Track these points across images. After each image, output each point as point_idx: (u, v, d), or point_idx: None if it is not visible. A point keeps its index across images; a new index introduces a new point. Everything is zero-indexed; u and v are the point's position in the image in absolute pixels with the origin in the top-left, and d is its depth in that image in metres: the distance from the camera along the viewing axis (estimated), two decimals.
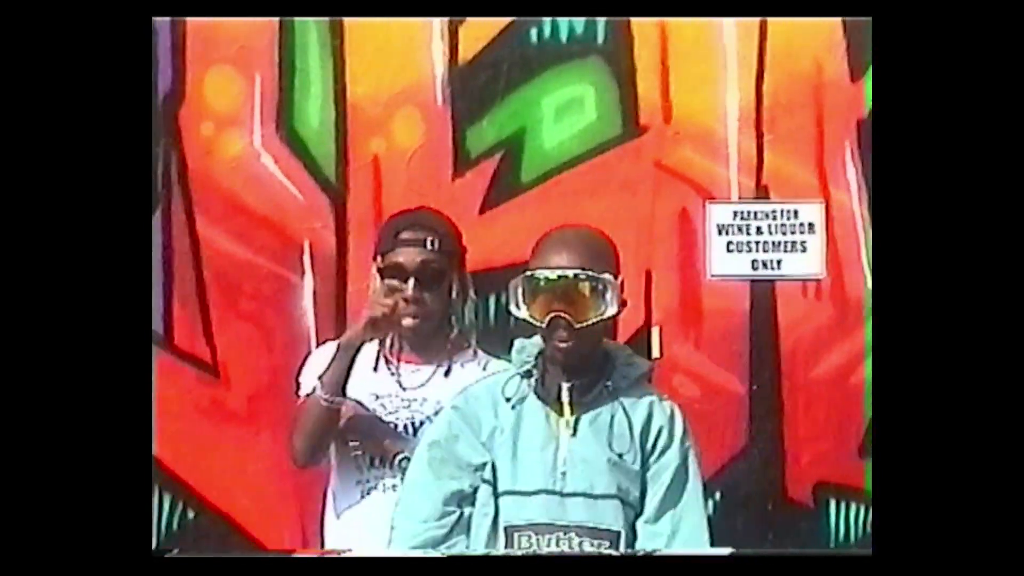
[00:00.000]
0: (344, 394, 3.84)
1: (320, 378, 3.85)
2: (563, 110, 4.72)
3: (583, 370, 3.44)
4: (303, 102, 4.72)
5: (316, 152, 4.72)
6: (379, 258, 3.94)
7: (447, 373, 3.95)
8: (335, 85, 4.71)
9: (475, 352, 3.99)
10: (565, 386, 3.43)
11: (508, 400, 3.47)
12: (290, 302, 4.74)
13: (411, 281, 3.88)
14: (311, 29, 4.70)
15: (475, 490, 3.46)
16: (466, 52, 4.72)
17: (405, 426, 3.92)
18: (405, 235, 3.91)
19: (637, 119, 4.73)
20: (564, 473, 3.42)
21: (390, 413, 3.93)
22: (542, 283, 3.38)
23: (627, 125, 4.73)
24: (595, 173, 4.73)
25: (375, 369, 3.96)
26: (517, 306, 3.40)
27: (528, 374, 3.49)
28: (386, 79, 4.71)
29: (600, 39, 4.72)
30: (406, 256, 3.88)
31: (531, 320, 3.40)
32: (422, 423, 3.88)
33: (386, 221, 4.07)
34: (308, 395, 3.91)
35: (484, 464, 3.46)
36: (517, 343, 3.54)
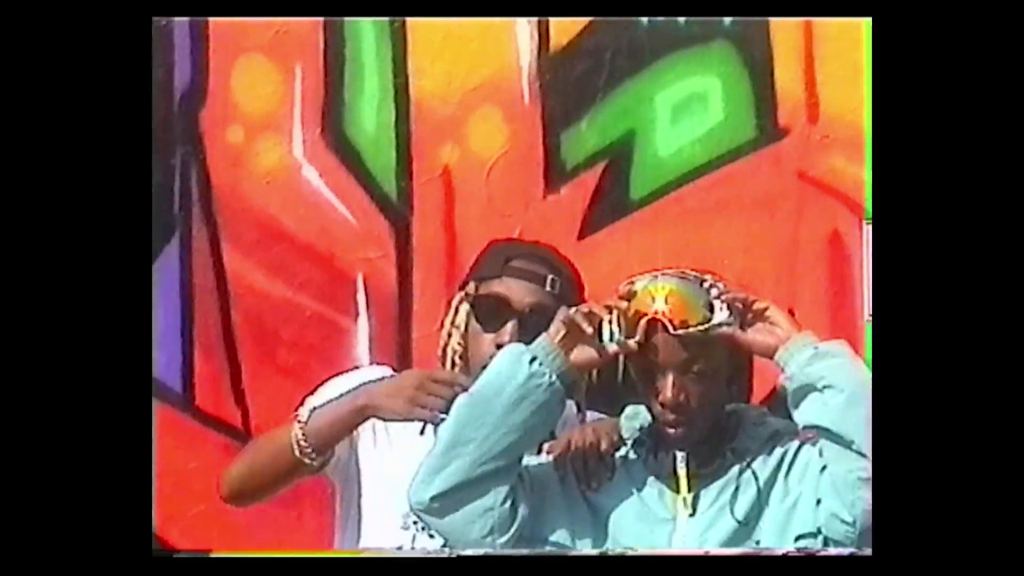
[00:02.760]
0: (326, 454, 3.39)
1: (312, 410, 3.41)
2: (682, 108, 4.34)
3: (704, 440, 3.21)
4: (356, 100, 4.38)
5: (372, 163, 4.38)
6: (472, 285, 3.47)
7: None
8: (395, 79, 4.36)
9: None
10: (679, 455, 3.19)
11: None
12: (340, 352, 4.47)
13: (512, 323, 3.35)
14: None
15: None
16: (559, 37, 4.34)
17: None
18: (518, 263, 3.45)
19: (776, 119, 4.34)
20: None
21: None
22: (635, 289, 3.14)
23: (763, 127, 4.34)
24: (723, 187, 4.33)
25: (422, 432, 3.42)
26: (611, 335, 3.12)
27: (638, 443, 3.26)
28: (459, 71, 4.33)
29: (727, 19, 4.35)
30: (515, 289, 3.39)
31: (624, 343, 3.12)
32: None
33: (491, 244, 3.67)
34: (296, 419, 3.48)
35: None
36: (629, 409, 3.29)
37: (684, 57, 4.30)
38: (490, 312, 3.39)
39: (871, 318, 4.15)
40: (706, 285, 3.13)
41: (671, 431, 3.17)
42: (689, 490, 3.18)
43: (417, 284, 4.35)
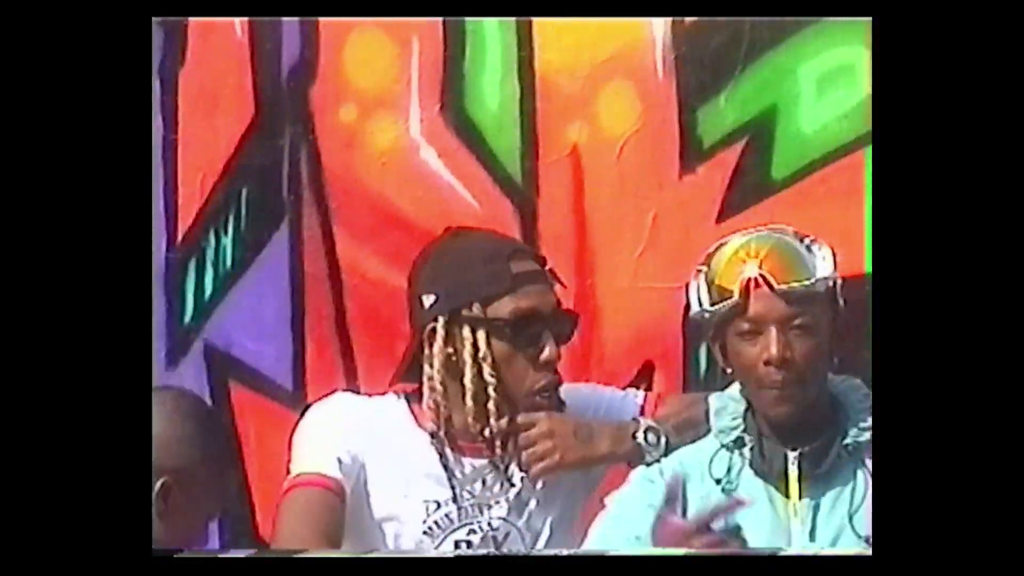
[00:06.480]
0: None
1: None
2: (828, 81, 4.21)
3: (811, 427, 3.12)
4: (477, 75, 4.32)
5: (495, 142, 4.32)
6: (477, 307, 3.20)
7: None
8: (519, 52, 4.29)
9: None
10: (791, 456, 3.11)
11: (718, 483, 3.16)
12: None
13: (547, 335, 3.20)
14: None
15: None
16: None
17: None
18: (521, 266, 3.25)
19: None
20: None
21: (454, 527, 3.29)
22: (728, 250, 3.15)
23: None
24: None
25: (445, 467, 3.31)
26: (699, 300, 3.15)
27: (739, 442, 3.18)
28: (587, 43, 4.24)
29: None
30: (536, 298, 3.21)
31: (718, 306, 3.12)
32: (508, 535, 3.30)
33: (448, 241, 3.40)
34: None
35: None
36: (714, 400, 3.24)
37: (830, 25, 4.15)
38: (524, 330, 3.20)
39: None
40: (807, 241, 3.12)
41: (776, 393, 3.07)
42: (800, 496, 3.11)
43: None
